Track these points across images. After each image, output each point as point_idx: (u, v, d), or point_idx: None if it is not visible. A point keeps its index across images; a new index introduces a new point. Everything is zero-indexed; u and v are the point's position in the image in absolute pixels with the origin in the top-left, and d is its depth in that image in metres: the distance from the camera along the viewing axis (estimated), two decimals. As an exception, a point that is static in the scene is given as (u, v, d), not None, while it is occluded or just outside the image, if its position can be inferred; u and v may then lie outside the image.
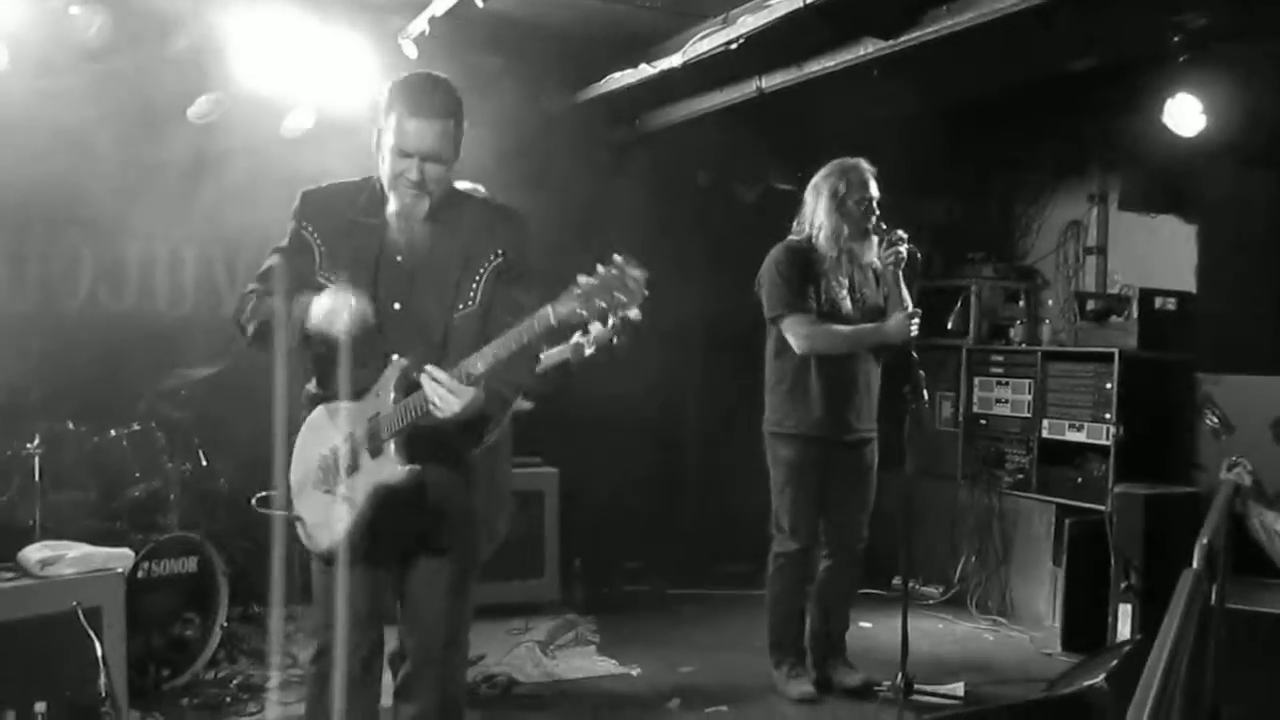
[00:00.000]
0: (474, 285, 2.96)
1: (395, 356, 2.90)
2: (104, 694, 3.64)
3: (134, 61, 5.05)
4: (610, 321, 2.75)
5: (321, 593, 3.10)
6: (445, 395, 2.74)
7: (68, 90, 4.94)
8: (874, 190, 4.72)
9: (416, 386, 2.82)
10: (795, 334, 4.74)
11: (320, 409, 3.05)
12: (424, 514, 2.99)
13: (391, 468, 2.88)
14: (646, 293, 2.68)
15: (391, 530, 2.97)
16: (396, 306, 2.95)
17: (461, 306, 2.96)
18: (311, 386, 3.12)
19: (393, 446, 2.88)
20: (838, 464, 4.82)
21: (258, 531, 4.81)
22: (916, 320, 4.65)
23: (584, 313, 2.67)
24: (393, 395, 2.88)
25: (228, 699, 4.58)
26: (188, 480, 5.08)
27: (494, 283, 2.99)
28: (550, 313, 2.68)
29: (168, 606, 4.62)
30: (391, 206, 2.95)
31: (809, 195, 4.85)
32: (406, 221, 2.94)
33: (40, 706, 3.53)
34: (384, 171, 2.95)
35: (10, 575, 3.78)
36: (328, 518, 2.99)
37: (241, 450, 5.26)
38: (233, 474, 5.37)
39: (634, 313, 2.84)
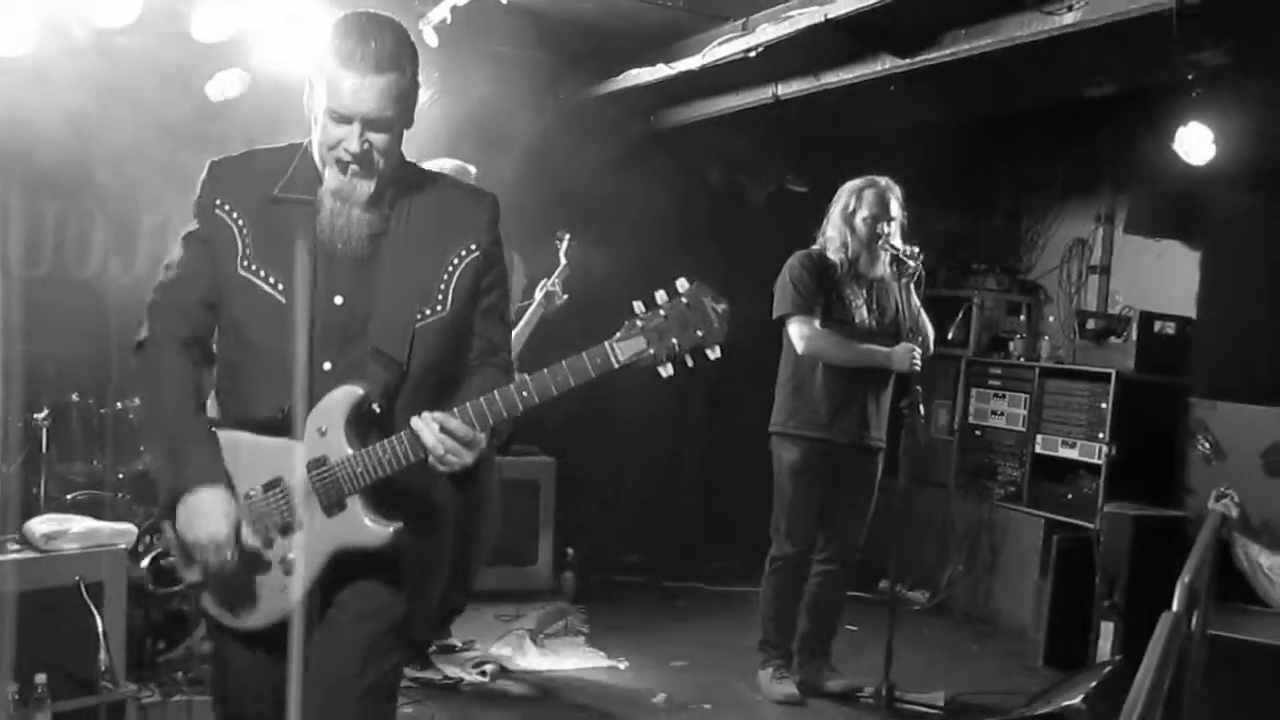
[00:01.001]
0: (442, 286, 2.39)
1: (346, 384, 2.34)
2: (103, 668, 3.69)
3: (157, 41, 5.07)
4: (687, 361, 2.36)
5: (235, 684, 2.51)
6: (458, 449, 2.25)
7: (88, 63, 4.96)
8: (893, 210, 4.77)
9: (373, 422, 2.34)
10: (797, 335, 4.81)
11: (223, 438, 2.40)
12: (392, 580, 2.44)
13: (362, 528, 2.32)
14: (727, 327, 2.33)
15: (340, 603, 2.41)
16: (338, 301, 2.37)
17: (427, 312, 2.38)
18: (211, 405, 2.49)
19: (360, 502, 2.32)
20: (841, 470, 4.87)
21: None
22: (918, 353, 4.73)
23: (654, 352, 2.26)
24: (344, 434, 2.31)
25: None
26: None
27: (466, 284, 2.43)
28: (613, 353, 2.25)
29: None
30: (328, 183, 2.36)
31: (830, 207, 4.91)
32: (345, 204, 2.35)
33: (41, 678, 3.56)
34: (316, 139, 2.37)
35: (16, 547, 3.81)
36: (251, 588, 2.38)
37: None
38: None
39: (715, 353, 2.33)
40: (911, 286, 4.74)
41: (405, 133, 2.41)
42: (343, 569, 2.37)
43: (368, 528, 2.32)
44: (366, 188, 2.34)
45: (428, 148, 5.20)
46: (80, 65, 4.87)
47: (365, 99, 2.27)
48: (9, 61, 4.67)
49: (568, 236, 5.17)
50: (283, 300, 2.35)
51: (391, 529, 2.32)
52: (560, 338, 5.67)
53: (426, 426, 2.24)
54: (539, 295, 5.02)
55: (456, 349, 2.46)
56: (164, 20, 5.01)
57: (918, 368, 4.73)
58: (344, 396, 2.32)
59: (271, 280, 2.37)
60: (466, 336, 2.47)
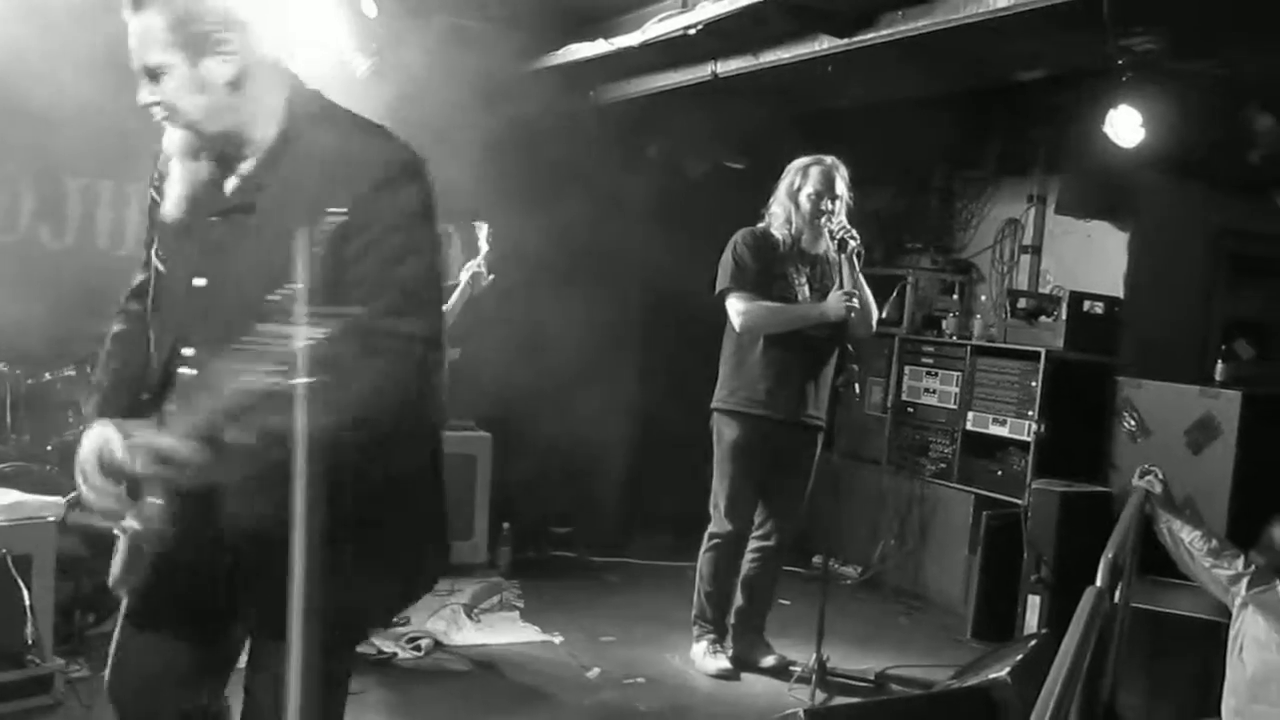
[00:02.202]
0: (300, 260, 1.90)
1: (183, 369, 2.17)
2: (30, 641, 3.65)
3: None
4: None
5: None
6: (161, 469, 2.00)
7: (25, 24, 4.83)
8: (838, 188, 4.81)
9: None
10: (734, 310, 4.84)
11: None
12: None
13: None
14: None
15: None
16: (198, 283, 2.17)
17: (279, 293, 1.92)
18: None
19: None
20: (780, 448, 4.91)
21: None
22: (854, 299, 4.72)
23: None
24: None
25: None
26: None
27: (325, 254, 2.00)
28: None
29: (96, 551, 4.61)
30: (166, 148, 2.20)
31: (778, 184, 4.94)
32: (190, 172, 2.15)
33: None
34: None
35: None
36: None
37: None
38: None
39: None
40: (854, 261, 4.77)
41: (266, 78, 2.12)
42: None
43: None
44: (201, 149, 2.13)
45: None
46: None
47: (134, 46, 2.04)
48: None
49: (485, 226, 5.14)
50: (163, 283, 2.24)
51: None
52: (500, 315, 5.71)
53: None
54: (464, 276, 5.02)
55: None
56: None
57: (855, 310, 4.71)
58: (182, 384, 2.18)
59: (161, 261, 2.25)
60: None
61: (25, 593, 3.67)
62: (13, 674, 3.61)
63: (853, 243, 4.71)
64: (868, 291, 4.89)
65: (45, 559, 3.85)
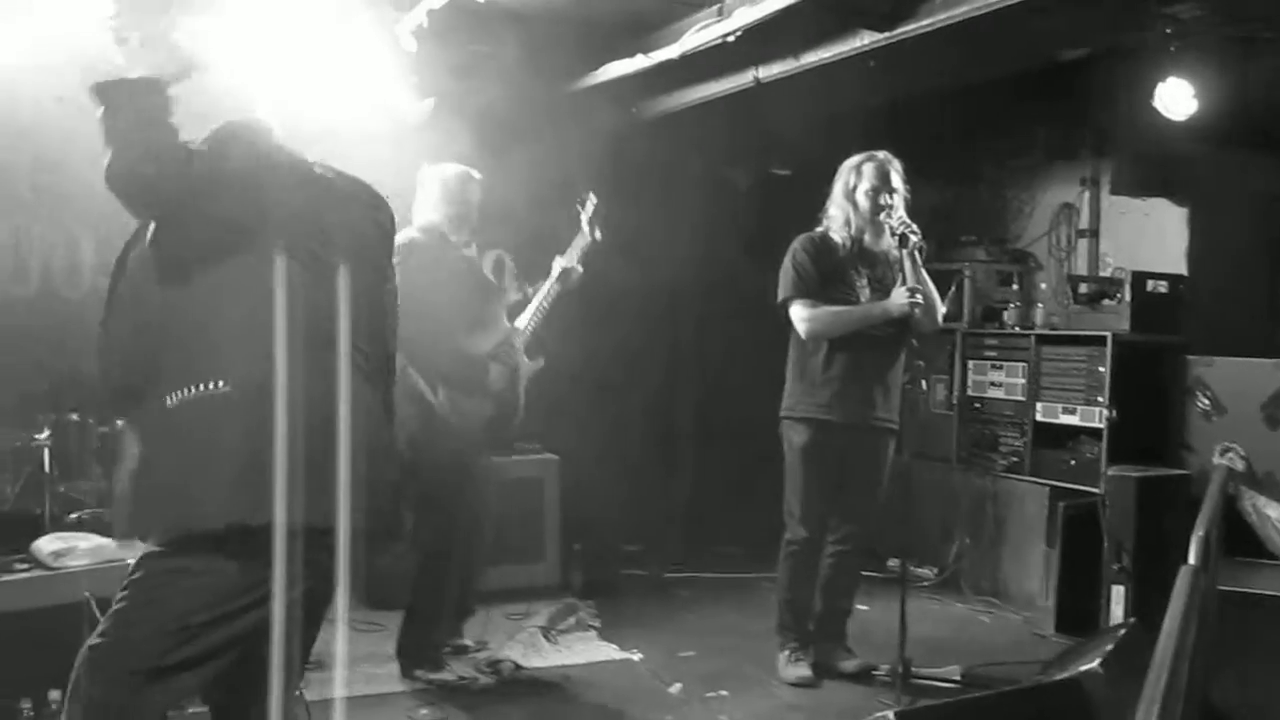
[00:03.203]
0: None
1: None
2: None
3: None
4: None
5: None
6: None
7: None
8: (894, 182, 4.75)
9: None
10: (798, 318, 4.80)
11: None
12: None
13: None
14: None
15: None
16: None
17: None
18: None
19: None
20: (851, 451, 4.85)
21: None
22: (918, 295, 4.66)
23: None
24: None
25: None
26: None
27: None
28: None
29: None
30: None
31: (832, 186, 4.90)
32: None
33: (54, 694, 3.58)
34: None
35: (24, 566, 3.82)
36: None
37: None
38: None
39: None
40: (916, 256, 4.71)
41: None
42: None
43: None
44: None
45: (415, 154, 5.24)
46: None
47: None
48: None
49: (592, 197, 5.04)
50: None
51: None
52: (559, 336, 5.71)
53: None
54: (555, 271, 5.01)
55: None
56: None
57: (919, 305, 4.65)
58: None
59: None
60: None
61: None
62: (101, 717, 3.65)
63: (914, 238, 4.64)
64: (931, 286, 4.82)
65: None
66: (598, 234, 5.06)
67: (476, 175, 4.81)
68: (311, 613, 2.50)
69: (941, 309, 4.96)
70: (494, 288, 4.98)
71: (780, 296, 4.86)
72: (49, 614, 3.70)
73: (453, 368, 4.67)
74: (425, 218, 4.73)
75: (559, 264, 5.05)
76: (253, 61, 5.13)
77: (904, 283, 4.71)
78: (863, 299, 4.81)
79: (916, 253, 4.68)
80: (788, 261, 4.86)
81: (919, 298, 4.65)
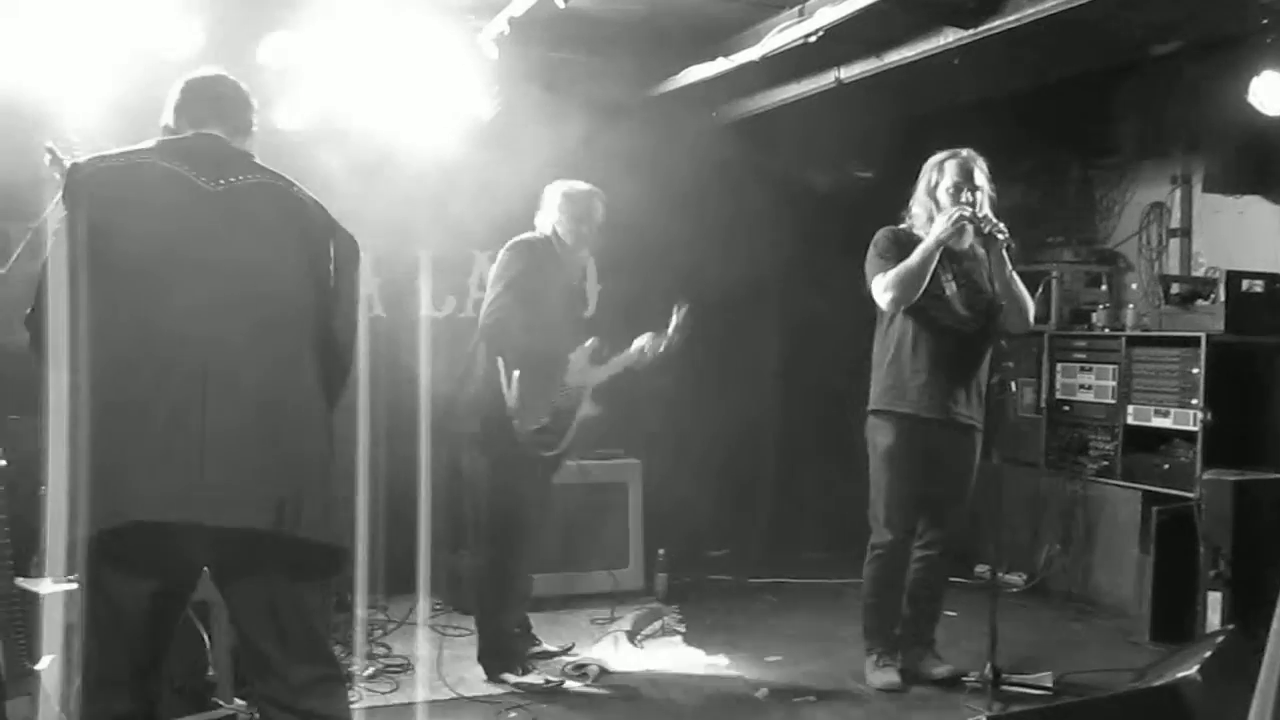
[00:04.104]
0: None
1: None
2: (213, 684, 3.76)
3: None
4: None
5: None
6: None
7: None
8: (977, 179, 4.66)
9: None
10: (878, 291, 4.69)
11: None
12: None
13: None
14: None
15: None
16: None
17: None
18: None
19: None
20: (936, 450, 4.76)
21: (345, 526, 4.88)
22: (968, 210, 4.55)
23: None
24: None
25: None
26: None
27: None
28: None
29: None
30: None
31: (915, 185, 4.84)
32: None
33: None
34: None
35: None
36: None
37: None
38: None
39: None
40: (1004, 255, 4.63)
41: None
42: None
43: None
44: None
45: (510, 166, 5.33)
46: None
47: None
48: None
49: (682, 309, 5.17)
50: None
51: None
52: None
53: None
54: (634, 348, 5.08)
55: None
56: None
57: (966, 219, 4.54)
58: None
59: None
60: None
61: (206, 637, 3.78)
62: (198, 716, 3.71)
63: (1001, 236, 4.57)
64: (1020, 285, 4.72)
65: (222, 605, 3.94)
66: (672, 342, 5.14)
67: (602, 196, 4.97)
68: None
69: (1032, 308, 4.86)
70: (584, 302, 5.26)
71: (869, 282, 4.75)
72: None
73: (536, 362, 4.75)
74: (547, 226, 4.93)
75: (639, 342, 5.08)
76: (339, 70, 5.26)
77: (991, 282, 4.65)
78: (949, 293, 4.72)
79: (1004, 251, 4.61)
80: (871, 251, 4.76)
81: (967, 210, 4.55)
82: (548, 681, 4.83)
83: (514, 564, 4.92)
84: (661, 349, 5.06)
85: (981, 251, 4.71)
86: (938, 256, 4.62)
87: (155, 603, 2.68)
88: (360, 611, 5.21)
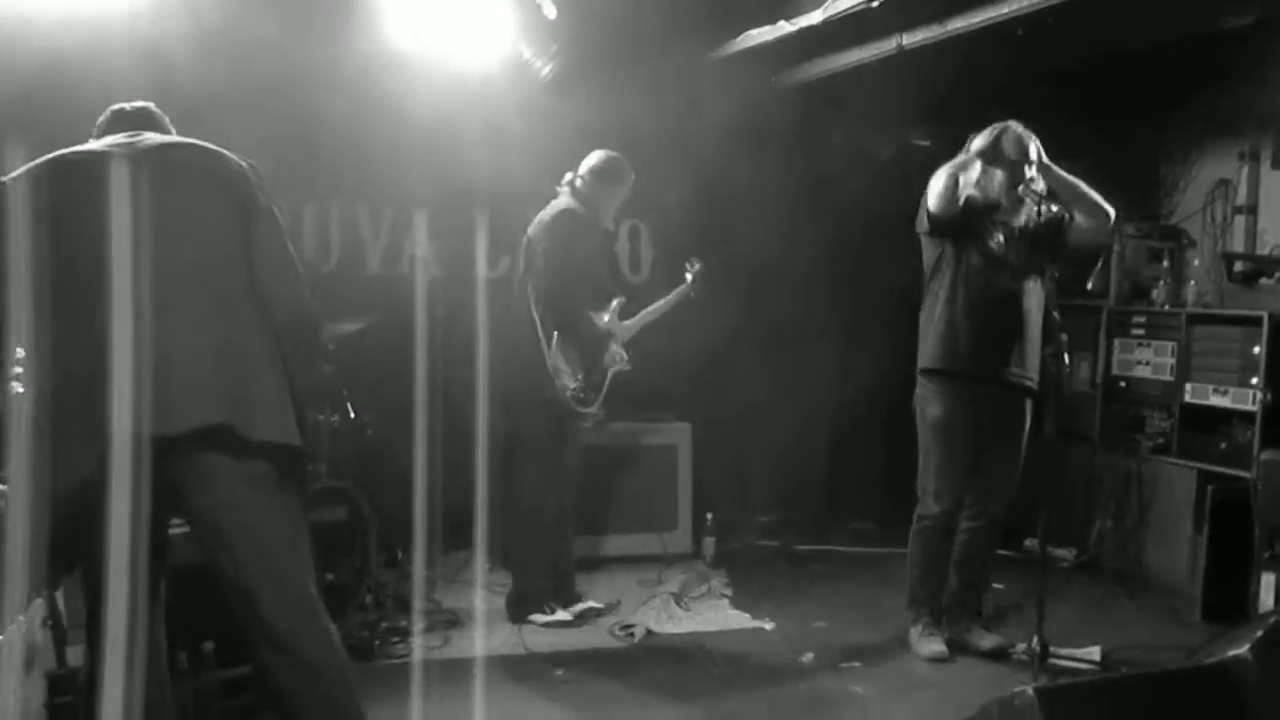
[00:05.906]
0: None
1: None
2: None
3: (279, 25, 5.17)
4: None
5: None
6: None
7: (218, 54, 5.08)
8: (1031, 154, 4.57)
9: None
10: (925, 213, 4.69)
11: None
12: None
13: None
14: None
15: None
16: None
17: None
18: None
19: None
20: (986, 415, 4.72)
21: (402, 482, 4.95)
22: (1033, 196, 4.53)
23: None
24: None
25: (376, 642, 4.73)
26: (337, 431, 5.24)
27: None
28: None
29: (319, 553, 4.77)
30: None
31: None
32: None
33: (208, 646, 3.73)
34: None
35: (179, 523, 3.95)
36: None
37: (388, 402, 5.46)
38: (380, 424, 5.54)
39: None
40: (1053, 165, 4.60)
41: None
42: None
43: None
44: None
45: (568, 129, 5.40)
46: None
47: None
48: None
49: (697, 263, 5.71)
50: None
51: None
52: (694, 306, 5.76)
53: None
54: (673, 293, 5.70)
55: None
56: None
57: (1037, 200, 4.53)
58: None
59: None
60: None
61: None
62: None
63: (1055, 208, 4.52)
64: (1083, 184, 4.67)
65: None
66: (693, 294, 5.71)
67: (631, 172, 5.23)
68: None
69: (1107, 206, 4.72)
70: (618, 267, 6.16)
71: (919, 228, 4.77)
72: (203, 570, 3.82)
73: (574, 320, 5.08)
74: (584, 193, 5.16)
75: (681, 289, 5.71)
76: (403, 12, 5.30)
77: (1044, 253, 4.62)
78: (995, 243, 4.65)
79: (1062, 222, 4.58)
80: (923, 201, 4.70)
81: (1034, 195, 4.52)
82: (576, 616, 5.06)
83: (547, 519, 5.18)
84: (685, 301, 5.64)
85: (1033, 222, 4.63)
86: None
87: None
88: (418, 569, 5.30)
